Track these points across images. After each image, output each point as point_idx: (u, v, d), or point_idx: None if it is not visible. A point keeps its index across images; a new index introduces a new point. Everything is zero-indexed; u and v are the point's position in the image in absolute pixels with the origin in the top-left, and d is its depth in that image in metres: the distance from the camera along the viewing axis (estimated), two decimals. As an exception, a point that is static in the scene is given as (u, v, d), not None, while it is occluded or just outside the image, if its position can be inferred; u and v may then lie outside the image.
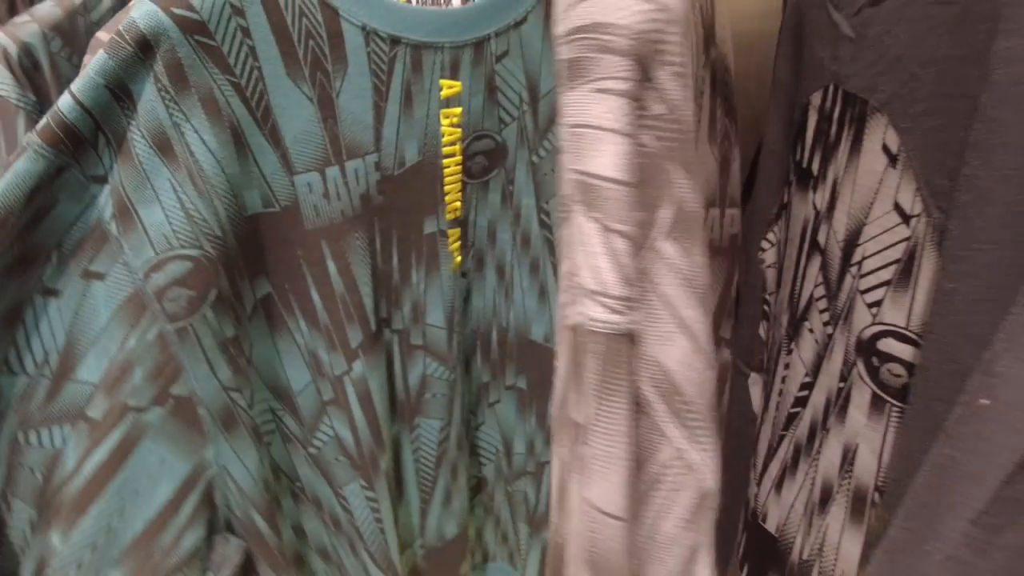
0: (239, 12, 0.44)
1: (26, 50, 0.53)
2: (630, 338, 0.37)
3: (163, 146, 0.44)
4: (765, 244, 0.60)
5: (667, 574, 0.41)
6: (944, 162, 0.40)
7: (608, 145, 0.35)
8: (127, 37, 0.41)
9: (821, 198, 0.50)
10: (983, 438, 0.38)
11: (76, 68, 0.54)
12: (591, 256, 0.36)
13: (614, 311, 0.37)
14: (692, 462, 0.40)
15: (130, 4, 0.42)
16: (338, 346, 0.55)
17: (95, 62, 0.41)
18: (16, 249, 0.43)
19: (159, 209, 0.45)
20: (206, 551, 0.52)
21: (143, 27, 0.41)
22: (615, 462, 0.38)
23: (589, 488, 0.39)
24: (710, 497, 0.41)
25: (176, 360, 0.48)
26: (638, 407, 0.39)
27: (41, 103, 0.52)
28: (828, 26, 0.48)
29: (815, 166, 0.51)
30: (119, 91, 0.42)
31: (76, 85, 0.41)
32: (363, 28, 0.49)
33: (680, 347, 0.38)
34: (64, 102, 0.41)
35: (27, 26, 0.53)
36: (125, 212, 0.44)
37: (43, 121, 0.41)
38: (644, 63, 0.35)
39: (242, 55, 0.46)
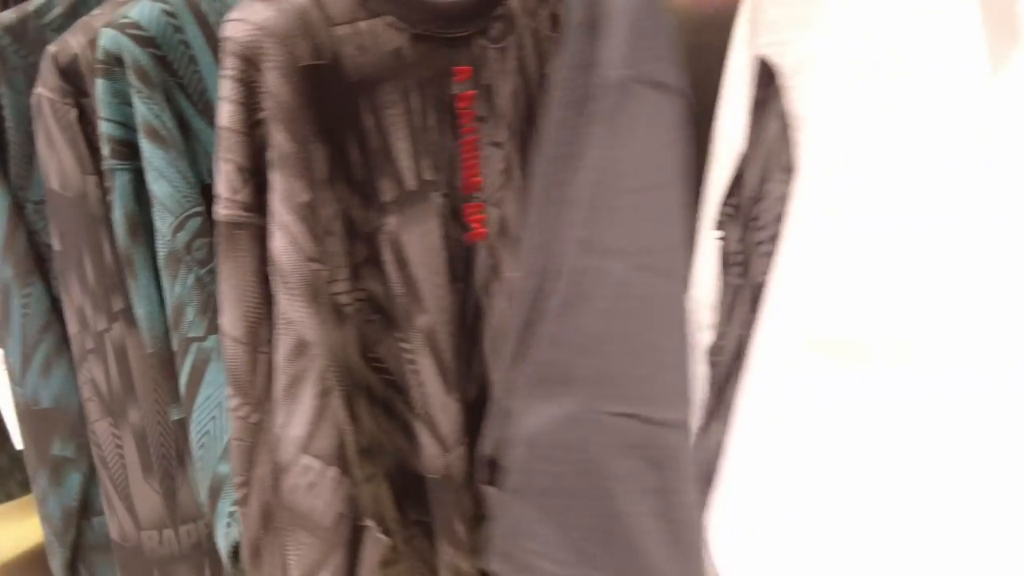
0: (179, 30, 0.71)
1: (-19, 45, 0.77)
2: (238, 226, 0.62)
3: (153, 135, 0.66)
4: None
5: (277, 390, 0.63)
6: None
7: (223, 107, 0.60)
8: (106, 60, 0.68)
9: None
10: (516, 303, 0.56)
11: (23, 59, 0.78)
12: (216, 174, 0.62)
13: (224, 208, 0.62)
14: (291, 318, 0.62)
15: (75, 26, 0.73)
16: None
17: (101, 89, 0.67)
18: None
19: (166, 183, 0.66)
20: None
21: (111, 48, 0.68)
22: (231, 302, 0.63)
23: (221, 318, 0.63)
24: (309, 345, 0.62)
25: (213, 297, 0.64)
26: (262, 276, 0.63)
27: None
28: None
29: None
30: (128, 101, 0.67)
31: (101, 112, 0.68)
32: None
33: (280, 240, 0.61)
34: (103, 126, 0.68)
35: (-15, 27, 0.79)
36: (150, 192, 0.67)
37: (103, 147, 0.68)
38: (251, 60, 0.60)
39: (184, 61, 0.71)
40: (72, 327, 0.77)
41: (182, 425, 0.71)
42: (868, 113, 0.43)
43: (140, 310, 0.70)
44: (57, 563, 0.80)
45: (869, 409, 0.41)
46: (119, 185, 0.68)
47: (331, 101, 0.64)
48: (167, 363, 0.71)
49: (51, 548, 0.81)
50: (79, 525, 0.80)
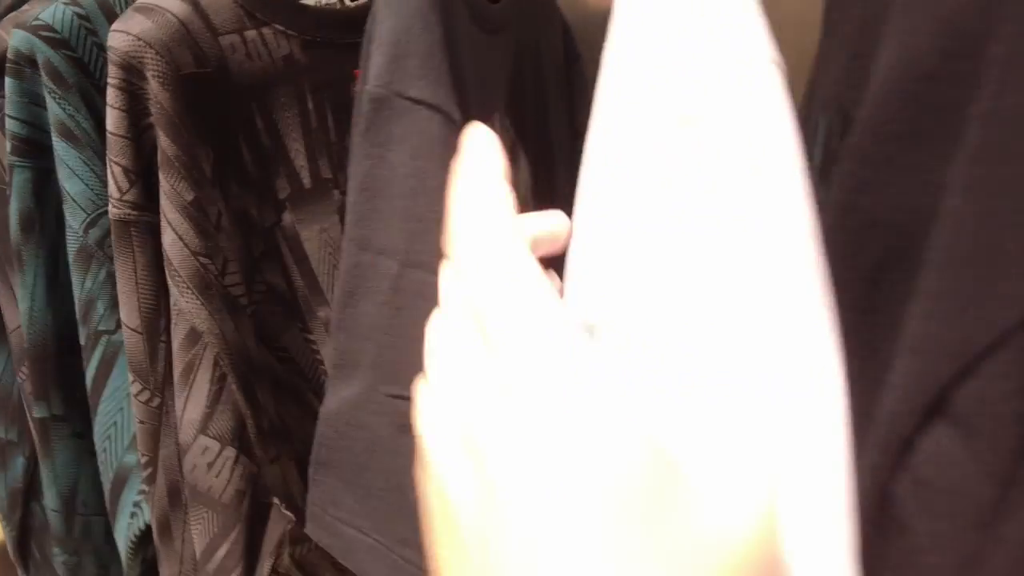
0: (93, 32, 0.73)
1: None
2: (128, 224, 0.67)
3: (66, 134, 0.68)
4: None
5: (175, 376, 0.68)
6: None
7: (110, 114, 0.65)
8: (17, 60, 0.71)
9: None
10: None
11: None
12: (108, 176, 0.67)
13: (115, 207, 0.66)
14: (182, 308, 0.67)
15: (5, 20, 0.77)
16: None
17: (10, 89, 0.72)
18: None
19: (79, 181, 0.68)
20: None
21: (22, 48, 0.71)
22: (126, 295, 0.68)
23: (120, 311, 0.68)
24: (202, 334, 0.67)
25: None
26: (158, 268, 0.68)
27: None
28: None
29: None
30: (38, 102, 0.73)
31: (8, 110, 0.72)
32: None
33: (168, 235, 0.66)
34: (8, 124, 0.72)
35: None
36: (62, 189, 0.69)
37: (7, 143, 0.73)
38: (134, 69, 0.65)
39: (100, 64, 0.73)
40: (12, 322, 0.82)
41: (43, 424, 0.76)
42: (629, 123, 0.45)
43: (22, 305, 0.74)
44: (8, 542, 0.86)
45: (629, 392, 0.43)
46: (17, 182, 0.71)
47: (218, 106, 0.68)
48: (38, 360, 0.75)
49: (4, 528, 0.87)
50: (29, 506, 0.86)
